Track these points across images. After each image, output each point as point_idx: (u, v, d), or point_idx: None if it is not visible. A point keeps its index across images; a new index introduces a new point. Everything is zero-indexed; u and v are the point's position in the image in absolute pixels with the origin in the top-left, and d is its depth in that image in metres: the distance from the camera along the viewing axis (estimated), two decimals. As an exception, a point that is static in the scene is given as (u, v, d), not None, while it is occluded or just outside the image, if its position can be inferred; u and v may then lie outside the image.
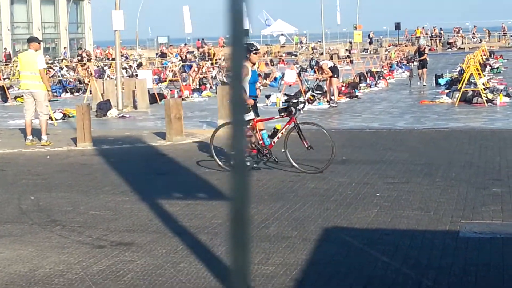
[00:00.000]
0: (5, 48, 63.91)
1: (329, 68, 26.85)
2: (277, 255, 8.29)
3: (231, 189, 2.51)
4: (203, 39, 77.29)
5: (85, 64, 47.02)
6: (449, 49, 75.86)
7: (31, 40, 18.22)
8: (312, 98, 26.46)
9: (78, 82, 38.89)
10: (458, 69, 37.36)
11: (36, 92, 17.57)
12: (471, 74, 26.34)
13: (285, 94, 27.44)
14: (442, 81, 33.54)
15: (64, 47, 66.81)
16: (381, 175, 12.87)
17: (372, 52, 69.38)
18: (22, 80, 17.88)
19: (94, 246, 8.89)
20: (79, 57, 56.24)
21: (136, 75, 36.70)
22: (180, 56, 53.09)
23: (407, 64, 45.34)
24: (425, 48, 37.08)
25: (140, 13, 76.85)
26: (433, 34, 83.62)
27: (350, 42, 76.80)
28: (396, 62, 46.98)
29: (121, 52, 63.51)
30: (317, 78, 29.03)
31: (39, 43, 18.30)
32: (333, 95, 26.75)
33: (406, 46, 72.38)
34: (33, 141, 17.79)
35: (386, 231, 9.25)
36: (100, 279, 7.63)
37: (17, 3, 67.11)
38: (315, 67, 28.88)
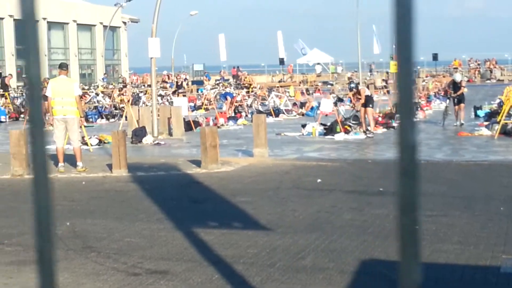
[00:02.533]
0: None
1: (365, 96, 26.75)
2: (314, 287, 8.16)
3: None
4: (238, 66, 77.46)
5: (122, 89, 47.19)
6: (488, 81, 75.37)
7: (65, 66, 18.28)
8: (348, 128, 26.35)
9: (113, 108, 39.07)
10: (497, 101, 36.84)
11: (71, 118, 17.58)
12: (511, 106, 26.04)
13: (321, 124, 27.67)
14: (481, 113, 33.10)
15: (105, 74, 67.19)
16: (419, 207, 12.66)
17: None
18: (56, 107, 17.64)
19: (129, 273, 8.82)
20: (123, 84, 56.62)
21: (171, 102, 36.80)
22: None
23: (444, 96, 44.90)
24: (461, 81, 32.41)
25: (176, 40, 77.43)
26: (471, 65, 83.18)
27: (387, 72, 76.49)
28: (433, 93, 46.65)
29: (169, 76, 64.42)
30: (353, 108, 28.85)
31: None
32: (369, 125, 26.56)
33: (444, 77, 71.99)
34: (64, 168, 17.74)
35: (425, 264, 9.08)
36: (135, 308, 7.56)
37: (54, 29, 67.63)
38: (354, 89, 28.54)
